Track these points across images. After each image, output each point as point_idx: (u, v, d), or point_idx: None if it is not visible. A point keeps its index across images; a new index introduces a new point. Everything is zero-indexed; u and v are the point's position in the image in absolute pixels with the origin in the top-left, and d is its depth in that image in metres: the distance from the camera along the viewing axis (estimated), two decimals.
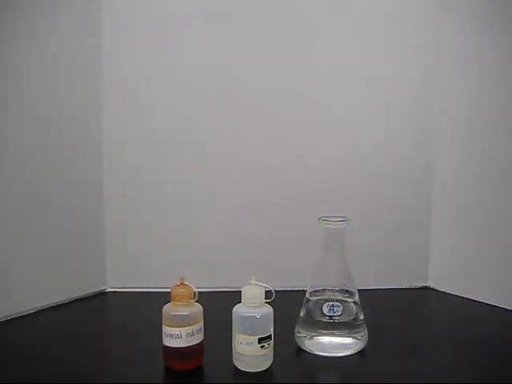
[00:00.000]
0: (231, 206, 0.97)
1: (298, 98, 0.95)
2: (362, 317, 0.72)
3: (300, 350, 0.71)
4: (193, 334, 0.64)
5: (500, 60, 0.88)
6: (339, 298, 0.71)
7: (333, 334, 0.70)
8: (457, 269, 0.95)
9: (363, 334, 0.71)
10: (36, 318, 0.84)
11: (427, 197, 0.99)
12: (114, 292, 0.97)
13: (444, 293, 0.97)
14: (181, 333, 0.64)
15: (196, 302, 0.66)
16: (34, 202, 0.85)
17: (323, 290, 0.72)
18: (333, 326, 0.70)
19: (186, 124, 0.96)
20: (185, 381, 0.64)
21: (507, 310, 0.87)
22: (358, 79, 0.96)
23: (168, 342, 0.65)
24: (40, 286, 0.86)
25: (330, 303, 0.70)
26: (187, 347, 0.64)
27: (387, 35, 0.96)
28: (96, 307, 0.91)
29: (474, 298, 0.92)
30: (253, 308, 0.65)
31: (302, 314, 0.73)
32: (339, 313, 0.70)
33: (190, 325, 0.64)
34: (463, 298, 0.93)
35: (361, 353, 0.70)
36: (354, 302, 0.72)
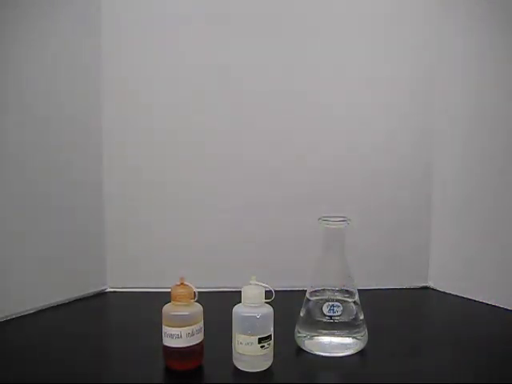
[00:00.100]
0: (231, 205, 0.97)
1: (298, 98, 0.96)
2: (361, 317, 0.72)
3: (300, 350, 0.71)
4: (193, 334, 0.64)
5: (500, 60, 0.88)
6: (339, 297, 0.71)
7: (333, 334, 0.70)
8: (457, 269, 0.95)
9: (363, 334, 0.71)
10: (36, 318, 0.84)
11: (427, 197, 0.99)
12: (114, 292, 0.97)
13: (444, 293, 0.97)
14: (181, 333, 0.64)
15: (196, 302, 0.66)
16: (34, 201, 0.85)
17: (323, 289, 0.72)
18: (333, 326, 0.70)
19: (186, 124, 0.96)
20: (185, 381, 0.64)
21: (507, 309, 0.87)
22: (358, 79, 0.96)
23: (168, 342, 0.65)
24: (40, 286, 0.86)
25: (330, 303, 0.70)
26: (187, 347, 0.64)
27: (387, 35, 0.96)
28: (96, 307, 0.91)
29: (474, 298, 0.92)
30: (253, 308, 0.65)
31: (302, 314, 0.73)
32: (339, 313, 0.70)
33: (190, 325, 0.64)
34: (463, 298, 0.93)
35: (361, 353, 0.70)
36: (354, 302, 0.72)
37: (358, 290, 0.73)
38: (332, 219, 0.71)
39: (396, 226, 0.98)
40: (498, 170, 0.89)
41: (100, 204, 0.96)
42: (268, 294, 0.65)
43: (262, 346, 0.64)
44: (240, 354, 0.64)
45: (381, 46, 0.96)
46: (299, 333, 0.72)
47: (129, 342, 0.75)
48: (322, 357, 0.69)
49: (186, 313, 0.65)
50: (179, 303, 0.65)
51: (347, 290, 0.72)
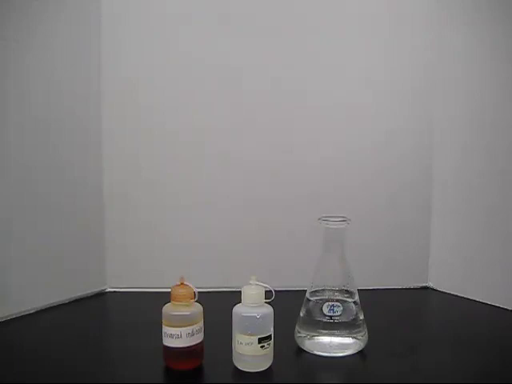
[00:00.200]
0: (231, 205, 0.97)
1: (298, 98, 0.96)
2: (361, 317, 0.72)
3: (300, 350, 0.71)
4: (193, 334, 0.64)
5: (500, 60, 0.88)
6: (339, 297, 0.71)
7: (333, 334, 0.70)
8: (457, 269, 0.95)
9: (363, 334, 0.71)
10: (36, 318, 0.84)
11: (427, 197, 0.99)
12: (114, 292, 0.97)
13: (444, 293, 0.97)
14: (181, 333, 0.64)
15: (196, 302, 0.66)
16: (34, 201, 0.85)
17: (323, 289, 0.72)
18: (333, 326, 0.70)
19: (186, 124, 0.96)
20: (185, 381, 0.64)
21: (507, 309, 0.87)
22: (358, 79, 0.96)
23: (168, 342, 0.65)
24: (40, 286, 0.86)
25: (330, 303, 0.70)
26: (187, 347, 0.64)
27: (387, 35, 0.96)
28: (96, 307, 0.91)
29: (473, 298, 0.92)
30: (253, 308, 0.65)
31: (301, 314, 0.73)
32: (339, 313, 0.70)
33: (190, 325, 0.64)
34: (463, 297, 0.93)
35: (361, 353, 0.70)
36: (354, 302, 0.72)
37: (358, 290, 0.73)
38: (332, 219, 0.71)
39: (396, 226, 0.99)
40: (498, 170, 0.89)
41: (100, 204, 0.96)
42: (268, 293, 0.65)
43: (262, 346, 0.64)
44: (240, 353, 0.64)
45: (381, 46, 0.96)
46: (299, 333, 0.72)
47: (129, 342, 0.75)
48: (322, 357, 0.69)
49: (186, 313, 0.65)
50: (179, 303, 0.65)
51: (347, 290, 0.72)
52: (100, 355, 0.73)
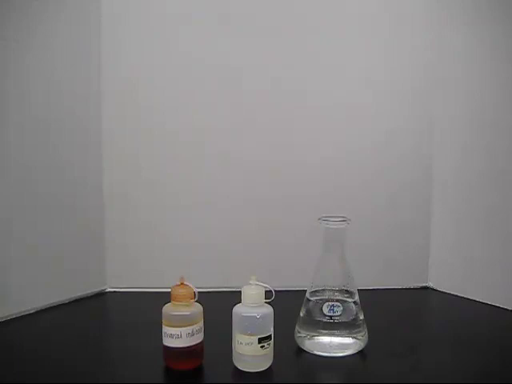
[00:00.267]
0: (231, 205, 0.97)
1: (298, 98, 0.96)
2: (361, 317, 0.72)
3: (300, 350, 0.71)
4: (193, 334, 0.64)
5: (500, 60, 0.88)
6: (339, 297, 0.71)
7: (333, 334, 0.70)
8: (457, 269, 0.95)
9: (363, 334, 0.71)
10: (36, 318, 0.84)
11: (427, 197, 0.99)
12: (114, 292, 0.97)
13: (444, 293, 0.97)
14: (181, 333, 0.64)
15: (196, 302, 0.66)
16: (34, 201, 0.85)
17: (323, 289, 0.72)
18: (333, 326, 0.69)
19: (186, 124, 0.96)
20: (185, 381, 0.64)
21: (507, 309, 0.87)
22: (358, 79, 0.96)
23: (168, 342, 0.65)
24: (40, 286, 0.86)
25: (330, 303, 0.70)
26: (187, 347, 0.64)
27: (387, 35, 0.96)
28: (96, 307, 0.91)
29: (473, 298, 0.92)
30: (253, 308, 0.65)
31: (301, 314, 0.73)
32: (339, 313, 0.70)
33: (190, 325, 0.64)
34: (463, 297, 0.93)
35: (361, 353, 0.70)
36: (354, 302, 0.72)
37: (358, 290, 0.73)
38: (332, 219, 0.71)
39: (396, 226, 0.99)
40: (498, 170, 0.89)
41: (100, 204, 0.96)
42: (268, 294, 0.65)
43: (262, 346, 0.64)
44: (240, 354, 0.64)
45: (381, 46, 0.96)
46: (299, 333, 0.72)
47: (129, 342, 0.75)
48: (322, 357, 0.69)
49: (186, 313, 0.65)
50: (179, 303, 0.65)
51: (347, 290, 0.72)
52: (100, 355, 0.73)
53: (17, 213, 0.83)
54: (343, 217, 0.71)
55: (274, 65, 0.95)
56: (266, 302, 0.66)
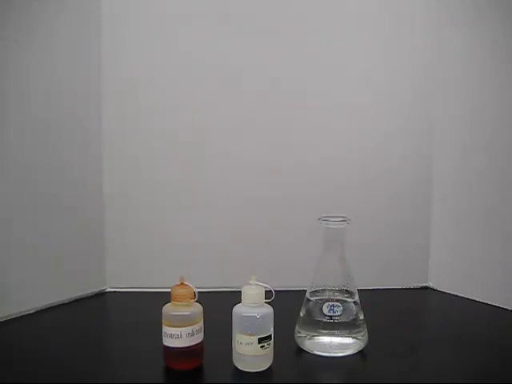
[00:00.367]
0: (231, 205, 0.97)
1: (298, 98, 0.96)
2: (361, 317, 0.72)
3: (300, 350, 0.71)
4: (193, 334, 0.64)
5: (500, 60, 0.88)
6: (339, 297, 0.71)
7: (333, 334, 0.70)
8: (457, 269, 0.95)
9: (363, 334, 0.71)
10: (36, 318, 0.84)
11: (427, 197, 0.99)
12: (114, 292, 0.97)
13: (444, 293, 0.97)
14: (181, 333, 0.64)
15: (196, 302, 0.66)
16: (34, 201, 0.85)
17: (323, 289, 0.72)
18: (333, 326, 0.69)
19: (186, 124, 0.96)
20: (185, 381, 0.64)
21: (507, 309, 0.87)
22: (358, 79, 0.96)
23: (168, 342, 0.65)
24: (40, 286, 0.86)
25: (330, 303, 0.70)
26: (187, 347, 0.64)
27: (387, 35, 0.96)
28: (96, 307, 0.91)
29: (474, 298, 0.92)
30: (253, 308, 0.65)
31: (301, 314, 0.73)
32: (339, 313, 0.70)
33: (190, 325, 0.64)
34: (463, 297, 0.93)
35: (361, 353, 0.70)
36: (354, 302, 0.72)
37: (358, 290, 0.73)
38: (332, 219, 0.71)
39: (396, 226, 0.99)
40: (498, 170, 0.89)
41: (100, 204, 0.96)
42: (268, 294, 0.65)
43: (262, 346, 0.64)
44: (240, 354, 0.64)
45: (381, 46, 0.96)
46: (299, 333, 0.72)
47: (129, 342, 0.75)
48: (322, 357, 0.69)
49: (186, 313, 0.65)
50: (179, 303, 0.65)
51: (347, 290, 0.72)
52: (100, 355, 0.73)
53: (17, 213, 0.83)
54: (343, 217, 0.71)
55: (274, 65, 0.95)
56: (266, 302, 0.66)
